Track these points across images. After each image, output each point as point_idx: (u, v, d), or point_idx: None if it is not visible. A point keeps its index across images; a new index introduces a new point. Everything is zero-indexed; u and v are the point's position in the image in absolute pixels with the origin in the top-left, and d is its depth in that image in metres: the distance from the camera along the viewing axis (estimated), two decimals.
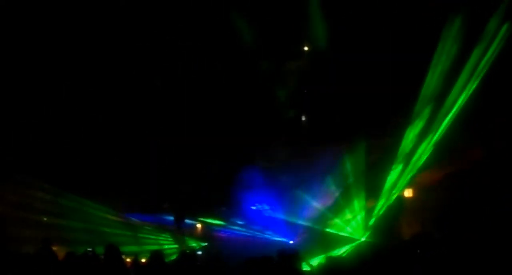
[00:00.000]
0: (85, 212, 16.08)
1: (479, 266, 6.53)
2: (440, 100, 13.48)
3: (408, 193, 15.29)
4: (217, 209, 17.65)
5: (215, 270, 7.23)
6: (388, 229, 14.88)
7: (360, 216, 16.40)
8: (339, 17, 13.78)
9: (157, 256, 7.07)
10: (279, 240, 17.21)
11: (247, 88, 15.40)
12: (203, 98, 15.49)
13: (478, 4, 11.98)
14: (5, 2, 13.39)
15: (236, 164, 16.09)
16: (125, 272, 7.50)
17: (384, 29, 13.28)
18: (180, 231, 17.66)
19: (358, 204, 16.32)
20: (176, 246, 17.46)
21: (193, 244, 18.16)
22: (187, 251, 14.71)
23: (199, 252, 16.67)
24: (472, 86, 12.67)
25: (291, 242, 17.11)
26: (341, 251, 15.73)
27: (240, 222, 17.83)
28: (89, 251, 8.26)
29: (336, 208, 16.66)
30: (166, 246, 17.29)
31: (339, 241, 16.28)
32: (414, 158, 14.58)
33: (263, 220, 17.53)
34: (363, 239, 16.15)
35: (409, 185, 15.09)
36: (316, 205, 16.76)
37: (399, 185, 15.14)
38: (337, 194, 16.41)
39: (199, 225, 18.30)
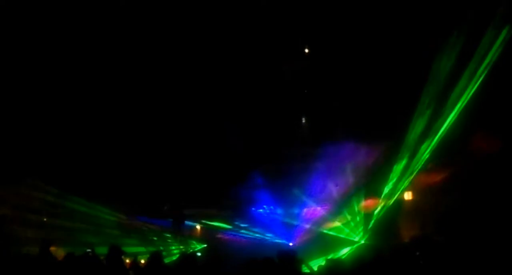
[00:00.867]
0: (85, 213, 16.07)
1: (479, 268, 6.53)
2: (441, 101, 13.49)
3: (407, 195, 15.31)
4: (217, 211, 17.64)
5: (215, 271, 7.23)
6: (387, 232, 14.89)
7: (360, 218, 16.41)
8: (339, 16, 13.77)
9: (156, 257, 7.06)
10: (278, 242, 17.21)
11: (249, 89, 15.40)
12: (205, 99, 15.49)
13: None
14: (5, 2, 13.39)
15: (237, 166, 16.08)
16: (124, 273, 7.51)
17: (385, 29, 13.29)
18: (179, 232, 17.65)
19: (357, 206, 16.33)
20: (175, 247, 17.45)
21: (193, 245, 18.15)
22: (187, 252, 14.77)
23: (199, 254, 16.67)
24: (473, 88, 12.67)
25: (291, 244, 17.11)
26: (340, 253, 15.74)
27: (239, 224, 17.82)
28: (89, 252, 8.25)
29: (336, 211, 16.67)
30: (166, 248, 17.28)
31: (339, 243, 16.29)
32: (414, 160, 14.59)
33: (263, 222, 17.53)
34: (362, 241, 16.16)
35: (408, 187, 15.10)
36: (316, 206, 16.80)
37: (399, 187, 15.16)
38: (337, 196, 16.42)
39: (198, 227, 18.29)
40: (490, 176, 12.33)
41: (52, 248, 9.69)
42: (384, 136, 14.75)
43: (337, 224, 16.70)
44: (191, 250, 17.07)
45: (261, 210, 17.53)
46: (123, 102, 15.50)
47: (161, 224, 17.80)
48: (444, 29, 12.68)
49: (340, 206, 16.54)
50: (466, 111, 12.86)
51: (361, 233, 16.31)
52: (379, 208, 15.73)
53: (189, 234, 18.21)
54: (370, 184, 15.87)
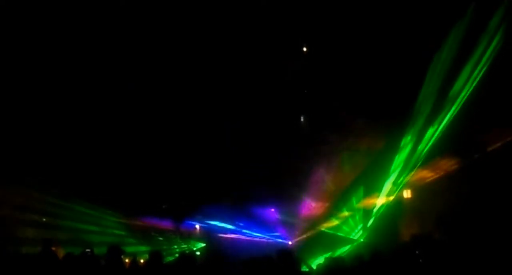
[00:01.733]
0: (84, 212, 16.07)
1: (479, 267, 6.53)
2: (439, 99, 13.49)
3: (406, 194, 15.30)
4: (217, 210, 17.64)
5: (214, 270, 7.23)
6: (387, 230, 14.89)
7: (359, 217, 16.43)
8: (337, 14, 13.75)
9: (155, 257, 7.05)
10: (278, 241, 17.23)
11: (248, 89, 15.38)
12: (204, 99, 15.48)
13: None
14: (5, 2, 13.37)
15: (236, 164, 16.08)
16: (124, 273, 7.50)
17: (384, 27, 13.27)
18: (179, 232, 17.66)
19: (357, 205, 16.35)
20: (175, 246, 17.46)
21: (192, 244, 18.16)
22: (186, 251, 14.76)
23: (198, 253, 16.68)
24: (473, 84, 12.66)
25: (290, 243, 17.13)
26: (340, 252, 15.75)
27: (239, 223, 17.84)
28: (88, 251, 8.24)
29: (335, 209, 16.69)
30: (165, 247, 17.30)
31: (338, 242, 16.31)
32: (413, 158, 14.60)
33: (262, 221, 17.54)
34: (362, 240, 16.17)
35: (407, 186, 15.11)
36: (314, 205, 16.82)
37: (398, 185, 15.18)
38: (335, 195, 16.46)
39: (198, 226, 18.30)
40: (490, 173, 12.32)
41: (53, 248, 9.68)
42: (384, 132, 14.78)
43: (336, 222, 16.72)
44: (190, 250, 17.09)
45: (260, 209, 17.53)
46: (122, 102, 15.48)
47: (161, 223, 17.81)
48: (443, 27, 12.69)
49: (339, 205, 16.58)
50: (465, 108, 12.87)
51: (361, 232, 16.33)
52: (378, 206, 15.75)
53: (189, 233, 18.22)
54: (369, 181, 15.88)
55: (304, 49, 15.62)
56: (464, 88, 12.83)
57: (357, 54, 13.95)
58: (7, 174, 14.01)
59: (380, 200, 15.65)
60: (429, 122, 13.89)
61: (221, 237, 17.73)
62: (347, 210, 16.60)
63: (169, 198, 17.25)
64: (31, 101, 14.62)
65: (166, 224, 17.74)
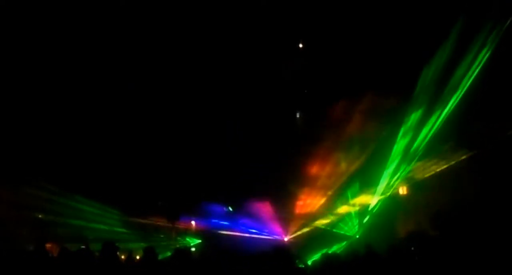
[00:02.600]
0: (81, 209, 16.04)
1: (474, 264, 6.54)
2: (436, 95, 13.53)
3: (402, 190, 15.34)
4: (213, 207, 17.64)
5: (210, 266, 7.22)
6: (383, 227, 14.92)
7: (355, 213, 16.45)
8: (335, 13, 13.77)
9: (149, 252, 7.04)
10: (273, 238, 17.23)
11: (246, 86, 15.39)
12: (202, 97, 15.48)
13: None
14: (5, 2, 13.33)
15: (232, 161, 16.07)
16: (119, 269, 7.48)
17: (384, 24, 13.30)
18: (174, 228, 17.65)
19: (352, 201, 16.36)
20: (171, 243, 17.43)
21: (188, 241, 18.15)
22: (182, 248, 14.74)
23: (193, 249, 16.67)
24: (469, 81, 12.68)
25: (286, 239, 17.14)
26: (335, 248, 15.76)
27: (235, 220, 17.82)
28: (83, 248, 8.23)
29: (331, 206, 16.70)
30: (161, 243, 17.27)
31: (334, 238, 16.32)
32: (409, 155, 14.64)
33: (257, 218, 17.53)
34: (357, 236, 16.19)
35: (403, 183, 15.14)
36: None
37: (394, 181, 15.21)
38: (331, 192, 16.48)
39: (193, 222, 18.27)
40: (485, 170, 12.36)
41: (48, 245, 9.66)
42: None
43: (331, 218, 16.73)
44: (185, 246, 17.06)
45: (256, 205, 17.52)
46: (121, 100, 15.47)
47: (157, 220, 17.79)
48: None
49: (335, 201, 16.59)
50: (462, 106, 12.91)
51: (356, 228, 16.36)
52: (374, 203, 15.77)
53: (184, 229, 18.20)
54: (365, 178, 15.90)
55: (300, 45, 15.62)
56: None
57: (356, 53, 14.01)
58: (3, 171, 13.99)
59: (376, 197, 15.68)
60: (427, 115, 13.93)
61: (217, 233, 17.71)
62: (343, 207, 16.61)
63: (164, 195, 17.22)
64: (30, 99, 14.61)
65: (162, 221, 17.71)
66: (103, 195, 15.79)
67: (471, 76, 12.57)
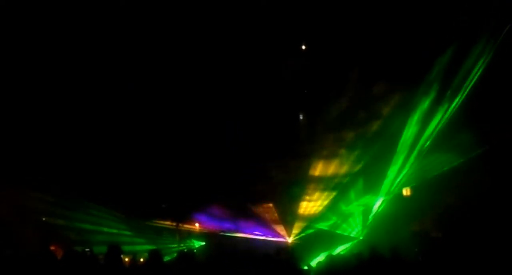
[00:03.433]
0: (84, 212, 16.07)
1: (477, 264, 6.53)
2: (439, 96, 13.52)
3: (406, 192, 15.31)
4: (216, 209, 17.64)
5: (214, 268, 7.22)
6: (386, 228, 14.90)
7: (358, 214, 16.42)
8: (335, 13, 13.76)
9: (155, 256, 7.05)
10: (277, 239, 17.23)
11: (246, 86, 15.38)
12: (202, 97, 15.48)
13: None
14: (5, 2, 13.35)
15: (235, 163, 16.08)
16: (123, 272, 7.49)
17: (384, 24, 13.29)
18: (178, 231, 17.66)
19: (356, 202, 16.34)
20: (175, 245, 17.46)
21: (192, 243, 18.16)
22: (186, 250, 14.76)
23: (195, 251, 16.68)
24: (471, 82, 12.66)
25: (290, 240, 17.14)
26: (340, 249, 15.74)
27: (238, 222, 17.82)
28: (87, 251, 8.25)
29: (334, 207, 16.68)
30: (165, 246, 17.28)
31: (338, 240, 16.30)
32: (413, 156, 14.62)
33: (261, 219, 17.54)
34: (361, 238, 16.17)
35: (407, 184, 15.12)
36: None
37: (398, 182, 15.20)
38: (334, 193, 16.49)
39: (197, 225, 18.29)
40: (488, 172, 12.33)
41: (52, 248, 9.69)
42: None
43: (335, 220, 16.72)
44: (189, 248, 17.09)
45: (260, 207, 17.54)
46: (122, 101, 15.48)
47: (161, 223, 17.80)
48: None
49: (339, 203, 16.59)
50: (466, 106, 12.88)
51: (360, 229, 16.33)
52: (378, 204, 15.75)
53: (188, 232, 18.22)
54: (368, 179, 15.89)
55: (303, 47, 15.62)
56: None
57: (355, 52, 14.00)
58: (6, 173, 14.01)
59: (380, 198, 15.66)
60: (429, 117, 13.92)
61: (221, 235, 17.72)
62: (347, 208, 16.59)
63: (168, 197, 17.24)
64: (31, 100, 14.62)
65: (166, 223, 17.73)
66: (107, 198, 15.81)
67: (472, 78, 12.56)
